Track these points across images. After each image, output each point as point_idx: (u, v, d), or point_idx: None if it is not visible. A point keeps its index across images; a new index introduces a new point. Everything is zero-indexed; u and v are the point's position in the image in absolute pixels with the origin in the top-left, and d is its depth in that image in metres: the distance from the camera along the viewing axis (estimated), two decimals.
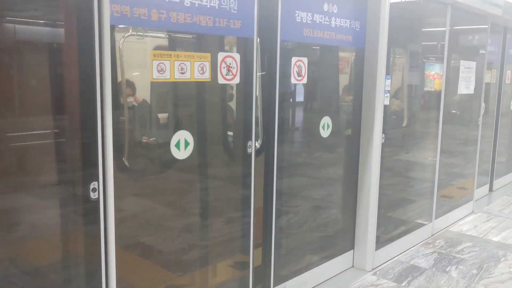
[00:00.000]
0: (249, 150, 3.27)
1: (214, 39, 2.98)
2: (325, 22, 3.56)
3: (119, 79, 2.58)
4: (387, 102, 4.17)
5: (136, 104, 2.81)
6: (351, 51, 4.01)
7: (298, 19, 3.34)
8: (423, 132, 5.24)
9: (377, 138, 4.11)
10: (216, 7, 2.85)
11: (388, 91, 4.16)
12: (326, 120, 3.80)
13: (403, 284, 4.03)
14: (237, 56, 3.08)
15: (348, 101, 4.13)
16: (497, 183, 7.44)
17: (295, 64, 3.37)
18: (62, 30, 2.25)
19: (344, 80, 4.09)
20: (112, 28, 2.37)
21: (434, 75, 5.57)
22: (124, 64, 2.60)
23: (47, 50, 2.25)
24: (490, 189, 7.25)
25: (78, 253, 2.36)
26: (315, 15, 3.45)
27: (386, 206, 4.62)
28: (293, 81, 3.40)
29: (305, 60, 3.44)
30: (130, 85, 2.74)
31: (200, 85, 2.95)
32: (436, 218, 5.32)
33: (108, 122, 2.30)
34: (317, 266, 4.00)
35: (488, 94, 6.84)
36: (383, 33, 3.99)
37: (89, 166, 2.24)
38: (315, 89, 3.80)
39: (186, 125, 2.92)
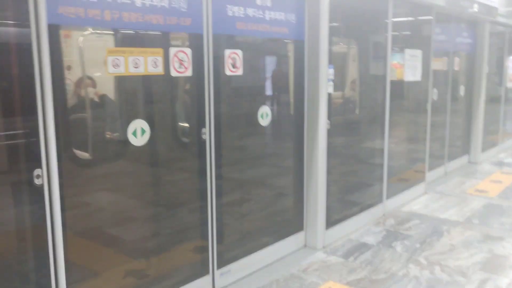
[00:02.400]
0: (203, 137, 3.48)
1: (166, 35, 3.23)
2: (258, 15, 3.80)
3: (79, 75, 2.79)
4: (331, 90, 4.41)
5: (97, 99, 3.00)
6: (290, 42, 4.23)
7: (230, 13, 3.54)
8: (376, 119, 5.50)
9: (322, 123, 4.38)
10: (167, 7, 3.12)
11: (332, 79, 4.40)
12: (264, 110, 4.03)
13: (349, 259, 4.33)
14: (188, 51, 3.28)
15: (287, 90, 4.36)
16: (452, 165, 7.80)
17: (229, 56, 3.57)
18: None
19: (286, 70, 4.31)
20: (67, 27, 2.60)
21: (396, 64, 5.84)
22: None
23: None
24: (445, 171, 7.59)
25: (26, 239, 2.56)
26: (247, 8, 3.67)
27: (339, 188, 4.91)
28: (228, 72, 3.59)
29: (239, 52, 3.64)
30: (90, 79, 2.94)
31: (154, 78, 3.14)
32: (387, 198, 5.60)
33: (50, 115, 2.51)
34: (268, 246, 4.23)
35: (441, 81, 7.19)
36: (323, 25, 4.29)
37: (32, 155, 2.44)
38: (253, 80, 4.01)
39: (142, 115, 3.11)
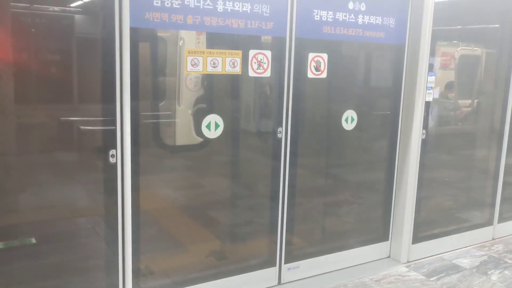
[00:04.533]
0: (279, 136, 3.63)
1: (247, 38, 3.47)
2: (349, 20, 3.86)
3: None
4: (430, 99, 4.18)
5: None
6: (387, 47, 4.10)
7: (317, 17, 3.63)
8: (493, 130, 5.00)
9: (416, 132, 4.23)
10: (248, 12, 3.38)
11: (432, 87, 4.17)
12: (350, 114, 4.07)
13: (432, 279, 4.09)
14: (268, 53, 3.45)
15: (379, 95, 4.24)
16: None
17: (312, 59, 3.64)
18: None
19: (379, 75, 4.19)
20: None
21: None
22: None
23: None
24: None
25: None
26: (337, 13, 3.78)
27: (438, 204, 4.72)
28: (310, 75, 3.69)
29: (325, 55, 3.70)
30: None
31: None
32: (500, 222, 5.06)
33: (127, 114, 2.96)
34: (347, 250, 4.33)
35: None
36: (425, 29, 4.13)
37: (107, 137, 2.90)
38: (339, 84, 4.00)
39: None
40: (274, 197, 3.79)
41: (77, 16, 2.94)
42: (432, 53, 4.16)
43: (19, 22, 2.78)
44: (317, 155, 4.17)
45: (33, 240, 3.20)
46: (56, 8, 2.98)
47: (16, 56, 2.74)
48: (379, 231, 4.51)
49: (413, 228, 4.40)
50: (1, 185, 2.95)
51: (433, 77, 4.21)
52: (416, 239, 4.47)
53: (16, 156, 3.04)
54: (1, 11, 2.77)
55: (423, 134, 4.25)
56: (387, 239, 4.51)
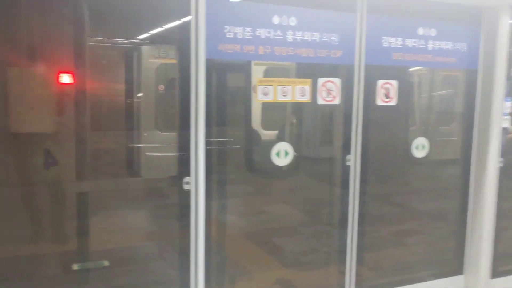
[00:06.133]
0: (348, 163, 3.61)
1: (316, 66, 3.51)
2: (419, 46, 3.76)
3: None
4: (506, 125, 4.01)
5: None
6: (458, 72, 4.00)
7: (386, 44, 3.61)
8: None
9: (493, 161, 4.03)
10: (317, 41, 3.44)
11: (509, 113, 4.00)
12: (420, 141, 3.96)
13: None
14: (337, 81, 3.48)
15: (451, 122, 4.10)
16: None
17: (382, 86, 3.60)
18: None
19: (451, 101, 4.08)
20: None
21: None
22: None
23: None
24: None
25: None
26: (406, 39, 3.75)
27: None
28: (379, 102, 3.63)
29: (394, 82, 3.64)
30: None
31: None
32: None
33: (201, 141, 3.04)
34: (419, 282, 4.13)
35: None
36: (500, 53, 3.91)
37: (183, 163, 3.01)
38: (409, 110, 3.92)
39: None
40: (343, 225, 3.73)
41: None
42: (509, 77, 4.00)
43: (109, 55, 3.00)
44: (387, 182, 4.08)
45: (106, 263, 3.33)
46: (135, 41, 3.18)
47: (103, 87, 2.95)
48: (452, 263, 4.29)
49: (492, 262, 4.18)
50: (83, 209, 3.12)
51: (510, 102, 4.04)
52: (496, 273, 4.21)
53: (93, 180, 3.21)
54: (84, 44, 3.00)
55: (501, 162, 4.05)
56: (461, 273, 4.28)
